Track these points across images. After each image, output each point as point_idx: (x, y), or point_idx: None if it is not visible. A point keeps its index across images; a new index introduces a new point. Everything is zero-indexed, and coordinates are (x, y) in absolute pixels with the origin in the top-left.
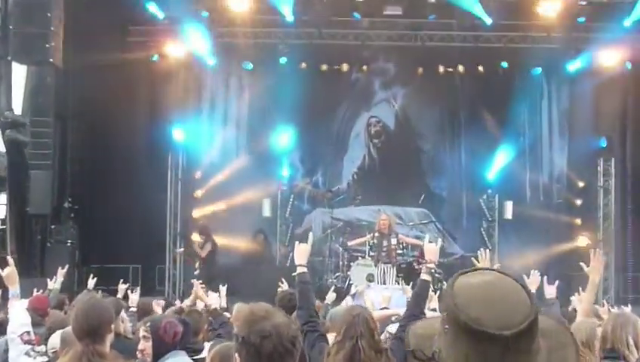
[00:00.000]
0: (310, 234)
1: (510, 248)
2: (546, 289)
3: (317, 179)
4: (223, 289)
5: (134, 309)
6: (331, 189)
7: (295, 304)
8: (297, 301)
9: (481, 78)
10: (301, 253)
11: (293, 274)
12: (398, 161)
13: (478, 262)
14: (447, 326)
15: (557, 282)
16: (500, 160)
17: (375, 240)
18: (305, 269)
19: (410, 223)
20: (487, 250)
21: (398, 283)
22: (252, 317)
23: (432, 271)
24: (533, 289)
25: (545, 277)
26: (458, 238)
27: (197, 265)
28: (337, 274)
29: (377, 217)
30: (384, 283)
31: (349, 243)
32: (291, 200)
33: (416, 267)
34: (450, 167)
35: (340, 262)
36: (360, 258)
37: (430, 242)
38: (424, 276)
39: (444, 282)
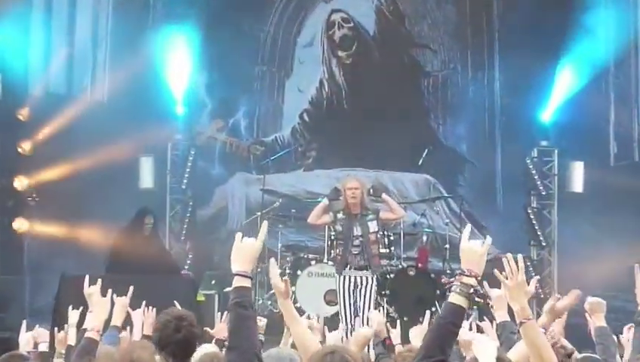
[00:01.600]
0: (265, 225)
1: (580, 245)
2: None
3: (237, 121)
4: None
5: None
6: (262, 139)
7: None
8: (229, 336)
9: None
10: (245, 253)
11: (227, 289)
12: (382, 89)
13: (507, 279)
14: None
15: None
16: (562, 90)
17: (339, 227)
18: (248, 282)
19: (403, 201)
20: (521, 258)
21: (383, 309)
22: None
23: (472, 291)
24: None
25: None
26: (488, 227)
27: None
28: (273, 291)
29: (340, 185)
30: (355, 310)
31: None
32: (191, 159)
33: (413, 277)
34: (476, 102)
35: (279, 270)
36: (313, 262)
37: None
38: (455, 298)
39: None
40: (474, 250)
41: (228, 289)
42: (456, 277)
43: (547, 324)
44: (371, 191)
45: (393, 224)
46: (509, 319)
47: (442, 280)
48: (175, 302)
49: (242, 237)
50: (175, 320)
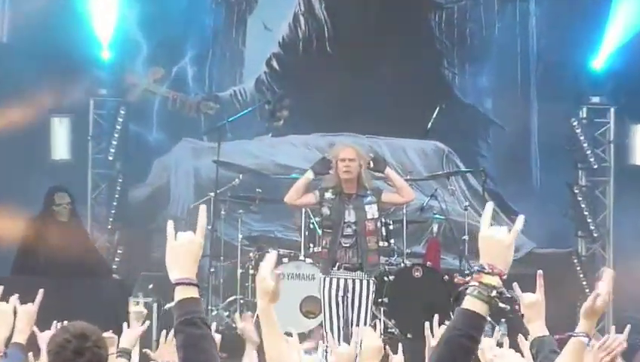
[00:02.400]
0: (203, 210)
1: None
2: None
3: (182, 70)
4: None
5: None
6: (217, 94)
7: None
8: None
9: None
10: (183, 253)
11: (167, 306)
12: (378, 27)
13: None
14: None
15: None
16: (620, 28)
17: (326, 210)
18: (195, 291)
19: (408, 175)
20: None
21: (380, 323)
22: None
23: (494, 294)
24: None
25: None
26: (520, 212)
27: None
28: (232, 297)
29: (330, 154)
30: (345, 324)
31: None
32: (120, 121)
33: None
34: (504, 45)
35: (240, 270)
36: (286, 259)
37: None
38: (471, 303)
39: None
40: (498, 238)
41: (170, 305)
42: (474, 275)
43: (590, 331)
44: (371, 163)
45: (392, 209)
46: (547, 333)
47: (456, 280)
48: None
49: (176, 233)
50: (75, 340)
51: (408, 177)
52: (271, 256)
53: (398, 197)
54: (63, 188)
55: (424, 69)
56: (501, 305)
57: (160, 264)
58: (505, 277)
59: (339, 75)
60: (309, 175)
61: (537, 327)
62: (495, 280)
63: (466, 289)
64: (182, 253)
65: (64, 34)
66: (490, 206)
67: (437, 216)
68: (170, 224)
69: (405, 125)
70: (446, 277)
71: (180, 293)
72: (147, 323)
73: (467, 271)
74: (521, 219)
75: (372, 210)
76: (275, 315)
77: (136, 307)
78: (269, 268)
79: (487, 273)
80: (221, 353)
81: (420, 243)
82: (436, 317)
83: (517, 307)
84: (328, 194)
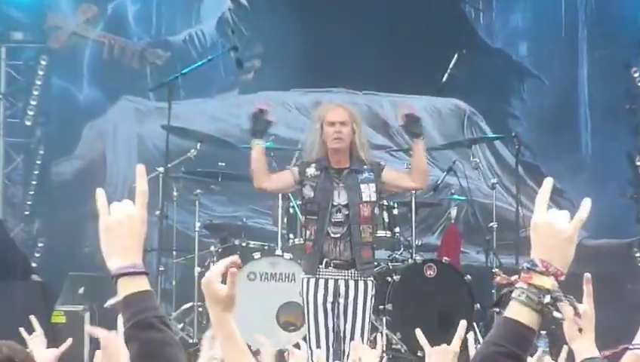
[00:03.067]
0: (141, 169)
1: None
2: None
3: (120, 6)
4: None
5: None
6: (167, 38)
7: None
8: None
9: None
10: (123, 232)
11: (109, 302)
12: None
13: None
14: None
15: None
16: None
17: (309, 191)
18: (144, 282)
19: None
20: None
21: (381, 337)
22: None
23: (549, 300)
24: None
25: None
26: (565, 190)
27: None
28: (188, 304)
29: (316, 117)
30: (336, 339)
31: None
32: (41, 74)
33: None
34: None
35: (198, 269)
36: (258, 254)
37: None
38: (518, 310)
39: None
40: (558, 227)
41: (111, 301)
42: (522, 274)
43: None
44: (404, 121)
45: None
46: (597, 354)
47: (497, 279)
48: (31, 317)
49: (109, 206)
50: None
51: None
52: (223, 262)
53: (407, 180)
54: None
55: (438, 3)
56: (556, 314)
57: (93, 260)
58: (563, 278)
59: (327, 11)
60: (256, 143)
61: (585, 347)
62: (550, 282)
63: (511, 292)
64: (121, 232)
65: None
66: (549, 183)
67: (456, 196)
68: (100, 193)
69: (414, 78)
70: (468, 276)
71: (125, 287)
72: (69, 340)
73: (495, 270)
74: (586, 204)
75: (369, 191)
76: (233, 327)
77: (59, 316)
78: (219, 269)
79: (540, 272)
80: None
81: (433, 233)
82: (463, 323)
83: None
84: (311, 170)
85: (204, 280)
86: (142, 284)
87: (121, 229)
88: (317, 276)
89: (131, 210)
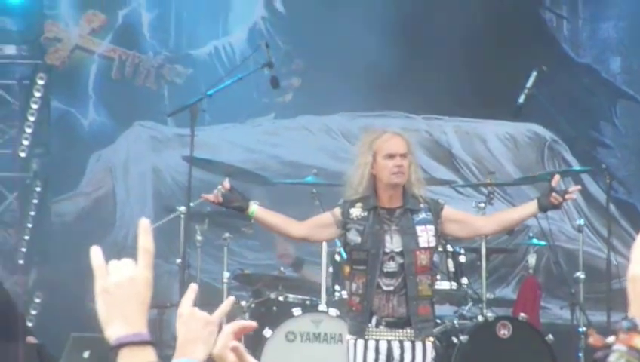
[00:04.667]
0: (144, 225)
1: None
2: None
3: (133, 14)
4: None
5: None
6: (189, 52)
7: None
8: None
9: None
10: (125, 295)
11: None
12: None
13: None
14: None
15: None
16: None
17: (356, 236)
18: (151, 354)
19: (489, 182)
20: None
21: None
22: None
23: None
24: None
25: None
26: None
27: None
28: None
29: (366, 146)
30: None
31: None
32: (38, 95)
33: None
34: None
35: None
36: (298, 309)
37: None
38: None
39: None
40: None
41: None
42: (619, 334)
43: None
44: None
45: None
46: None
47: (591, 340)
48: None
49: (107, 265)
50: None
51: (490, 180)
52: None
53: (476, 223)
54: None
55: (514, 11)
56: None
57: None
58: None
59: (377, 21)
60: (249, 215)
61: None
62: None
63: (607, 356)
64: (121, 296)
65: None
66: None
67: (535, 240)
68: (95, 252)
69: (484, 99)
70: (549, 336)
71: (128, 360)
72: None
73: (582, 329)
74: None
75: (427, 235)
76: None
77: None
78: (227, 335)
79: None
80: None
81: (508, 285)
82: None
83: None
84: (356, 211)
85: (216, 353)
86: (147, 356)
87: (121, 293)
88: (366, 337)
89: (133, 271)
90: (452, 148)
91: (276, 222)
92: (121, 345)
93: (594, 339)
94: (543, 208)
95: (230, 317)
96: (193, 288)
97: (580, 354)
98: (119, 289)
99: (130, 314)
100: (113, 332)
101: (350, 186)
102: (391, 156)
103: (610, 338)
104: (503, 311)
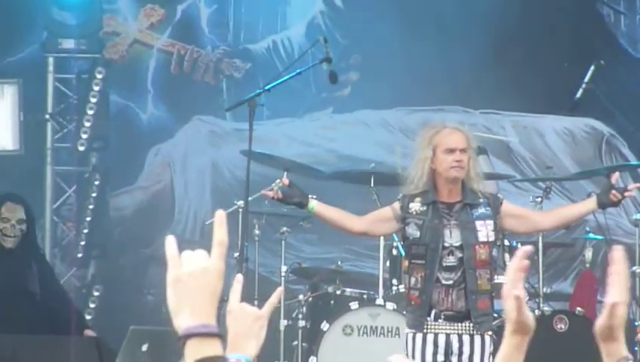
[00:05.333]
0: (221, 216)
1: None
2: None
3: (191, 9)
4: None
5: None
6: (247, 47)
7: None
8: None
9: None
10: (195, 286)
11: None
12: None
13: None
14: None
15: None
16: None
17: (415, 230)
18: (218, 346)
19: (545, 177)
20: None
21: None
22: None
23: None
24: None
25: None
26: None
27: None
28: None
29: (425, 141)
30: None
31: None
32: (96, 89)
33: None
34: None
35: (284, 322)
36: (355, 303)
37: None
38: None
39: None
40: None
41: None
42: None
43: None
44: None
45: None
46: None
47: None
48: None
49: (180, 254)
50: None
51: (546, 175)
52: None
53: (535, 218)
54: (16, 196)
55: (572, 6)
56: None
57: (159, 312)
58: None
59: (436, 14)
60: (309, 211)
61: None
62: None
63: None
64: (193, 286)
65: None
66: None
67: (592, 235)
68: (170, 241)
69: (541, 93)
70: None
71: (195, 350)
72: None
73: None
74: None
75: (486, 229)
76: None
77: None
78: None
79: None
80: None
81: (565, 279)
82: None
83: None
84: (416, 206)
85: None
86: (214, 348)
87: (193, 283)
88: (424, 330)
89: (207, 261)
90: (510, 143)
91: (336, 217)
92: (190, 336)
93: None
94: (602, 205)
95: (287, 311)
96: (239, 279)
97: (637, 348)
98: (191, 279)
99: (200, 305)
100: (182, 321)
101: (409, 181)
102: (451, 151)
103: None
104: (559, 305)
